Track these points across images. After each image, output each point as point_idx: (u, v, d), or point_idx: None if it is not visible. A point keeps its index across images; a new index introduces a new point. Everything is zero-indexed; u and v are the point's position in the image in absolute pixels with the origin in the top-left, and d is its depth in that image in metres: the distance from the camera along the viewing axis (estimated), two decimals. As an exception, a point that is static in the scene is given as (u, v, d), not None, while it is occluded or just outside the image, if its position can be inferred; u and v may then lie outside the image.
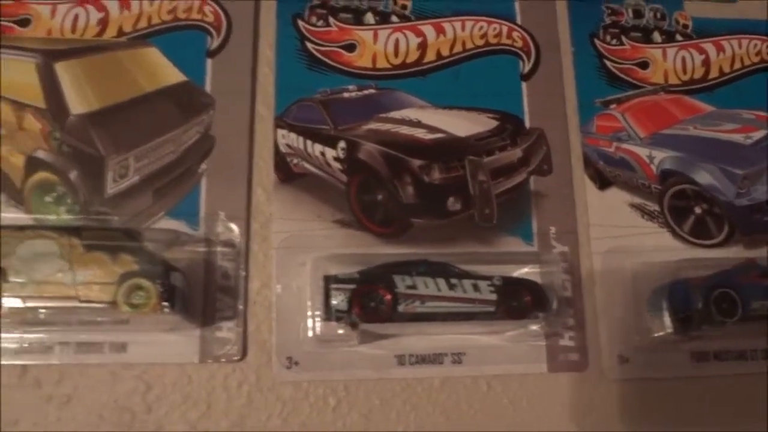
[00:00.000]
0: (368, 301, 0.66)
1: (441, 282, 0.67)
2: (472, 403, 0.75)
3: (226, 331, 0.73)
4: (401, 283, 0.67)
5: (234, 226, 0.75)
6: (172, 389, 0.72)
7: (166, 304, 0.65)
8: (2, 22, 0.78)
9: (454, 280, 0.67)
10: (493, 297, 0.68)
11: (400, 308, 0.66)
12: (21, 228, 0.66)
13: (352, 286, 0.67)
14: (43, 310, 0.64)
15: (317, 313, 0.71)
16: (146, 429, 0.71)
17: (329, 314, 0.67)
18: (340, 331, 0.68)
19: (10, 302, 0.63)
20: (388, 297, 0.66)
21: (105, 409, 0.71)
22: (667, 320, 0.75)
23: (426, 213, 0.77)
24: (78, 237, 0.66)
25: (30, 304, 0.63)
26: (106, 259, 0.65)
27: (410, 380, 0.75)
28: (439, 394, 0.75)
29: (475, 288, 0.68)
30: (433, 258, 0.74)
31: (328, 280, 0.68)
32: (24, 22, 0.79)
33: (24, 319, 0.65)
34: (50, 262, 0.64)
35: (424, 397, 0.74)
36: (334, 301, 0.66)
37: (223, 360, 0.73)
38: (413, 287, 0.67)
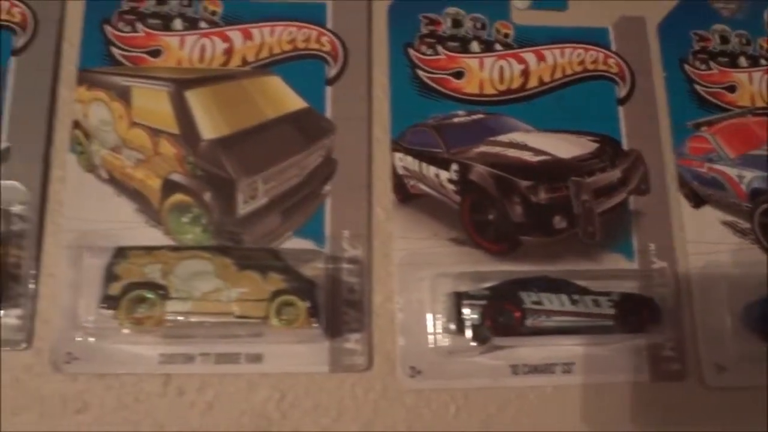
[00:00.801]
0: (498, 315, 0.71)
1: (564, 298, 0.72)
2: (581, 410, 0.79)
3: (354, 342, 0.78)
4: (527, 299, 0.72)
5: (358, 245, 0.80)
6: (304, 397, 0.77)
7: (314, 319, 0.70)
8: (135, 53, 0.83)
9: (575, 296, 0.72)
10: (612, 312, 0.73)
11: (528, 323, 0.71)
12: (176, 248, 0.72)
13: (483, 302, 0.72)
14: (198, 324, 0.69)
15: (444, 326, 0.75)
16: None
17: (461, 328, 0.72)
18: (472, 344, 0.73)
19: (173, 317, 0.68)
20: (517, 312, 0.71)
21: (244, 415, 0.76)
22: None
23: (534, 231, 0.81)
24: (229, 257, 0.71)
25: (193, 319, 0.68)
26: (257, 277, 0.70)
27: (524, 388, 0.79)
28: (550, 401, 0.79)
29: (596, 303, 0.73)
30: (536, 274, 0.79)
31: (460, 296, 0.73)
32: (155, 53, 0.84)
33: (174, 333, 0.70)
34: (207, 280, 0.70)
35: (536, 404, 0.79)
36: (467, 316, 0.71)
37: (352, 370, 0.77)
38: (539, 303, 0.72)
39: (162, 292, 0.69)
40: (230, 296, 0.69)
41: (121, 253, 0.70)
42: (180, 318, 0.68)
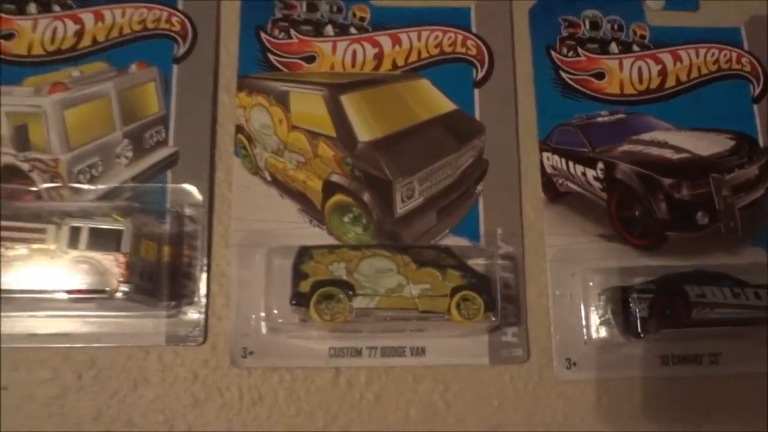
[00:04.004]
0: (665, 308, 0.74)
1: (726, 291, 0.75)
2: (728, 399, 0.82)
3: (511, 335, 0.81)
4: (691, 291, 0.75)
5: (511, 242, 0.83)
6: (467, 388, 0.80)
7: (491, 313, 0.73)
8: (291, 59, 0.87)
9: (736, 289, 0.75)
10: (775, 303, 0.76)
11: (694, 315, 0.74)
12: (356, 247, 0.75)
13: (651, 296, 0.75)
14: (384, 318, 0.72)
15: (604, 318, 0.78)
16: (447, 424, 0.79)
17: (629, 321, 0.75)
18: (628, 336, 0.76)
19: (361, 312, 0.72)
20: (684, 305, 0.74)
21: (411, 406, 0.80)
22: None
23: (679, 226, 0.84)
24: (407, 254, 0.74)
25: (380, 314, 0.71)
26: (437, 274, 0.74)
27: (672, 378, 0.82)
28: (697, 391, 0.82)
29: (757, 296, 0.75)
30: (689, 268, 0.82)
31: (627, 290, 0.76)
32: (310, 59, 0.87)
33: (361, 327, 0.74)
34: (390, 277, 0.73)
35: (683, 394, 0.82)
36: (636, 309, 0.74)
37: (510, 362, 0.81)
38: (702, 296, 0.75)
39: (349, 288, 0.72)
40: (413, 292, 0.72)
41: (306, 252, 0.74)
42: (367, 313, 0.71)
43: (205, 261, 0.81)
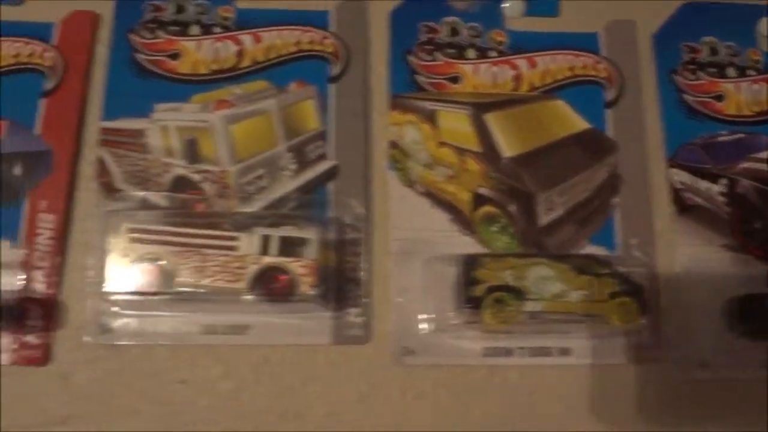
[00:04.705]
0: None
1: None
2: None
3: (647, 337, 0.88)
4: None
5: (644, 251, 0.90)
6: (611, 388, 0.87)
7: (644, 318, 0.80)
8: (437, 80, 0.94)
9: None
10: None
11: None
12: (520, 255, 0.82)
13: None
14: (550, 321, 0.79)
15: (732, 324, 0.86)
16: (600, 422, 0.86)
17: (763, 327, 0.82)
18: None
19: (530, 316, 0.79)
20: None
21: (560, 402, 0.86)
22: None
23: (795, 239, 0.92)
24: (565, 263, 0.81)
25: (547, 317, 0.78)
26: (594, 280, 0.81)
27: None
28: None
29: None
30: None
31: (758, 298, 0.83)
32: (454, 80, 0.94)
33: (530, 329, 0.81)
34: (552, 283, 0.80)
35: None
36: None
37: (647, 361, 0.87)
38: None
39: (519, 293, 0.79)
40: (575, 297, 0.79)
41: (474, 260, 0.81)
42: (535, 317, 0.79)
43: (367, 267, 0.87)
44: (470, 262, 0.80)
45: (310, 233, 0.80)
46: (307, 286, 0.78)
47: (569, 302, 0.79)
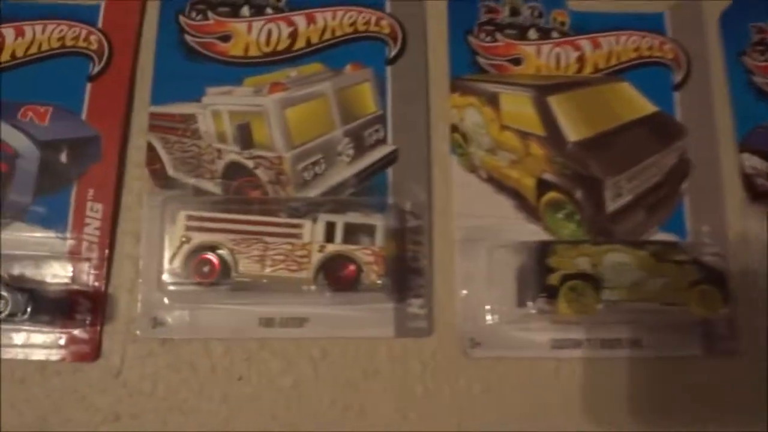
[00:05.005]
0: None
1: None
2: None
3: (722, 328, 0.84)
4: None
5: (717, 239, 0.86)
6: (682, 380, 0.84)
7: (727, 306, 0.77)
8: (499, 62, 0.90)
9: None
10: None
11: None
12: (596, 243, 0.78)
13: None
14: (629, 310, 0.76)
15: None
16: (673, 416, 0.82)
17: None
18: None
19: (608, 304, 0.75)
20: None
21: (621, 397, 0.83)
22: None
23: None
24: (644, 250, 0.78)
25: (625, 306, 0.75)
26: (675, 268, 0.77)
27: None
28: None
29: None
30: None
31: None
32: (516, 61, 0.91)
33: (607, 319, 0.77)
34: (630, 271, 0.76)
35: None
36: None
37: (726, 353, 0.84)
38: None
39: (596, 282, 0.75)
40: (655, 285, 0.75)
41: (548, 247, 0.77)
42: (613, 306, 0.75)
43: (429, 255, 0.83)
44: (543, 250, 0.76)
45: (376, 220, 0.76)
46: (375, 276, 0.74)
47: (648, 290, 0.75)
